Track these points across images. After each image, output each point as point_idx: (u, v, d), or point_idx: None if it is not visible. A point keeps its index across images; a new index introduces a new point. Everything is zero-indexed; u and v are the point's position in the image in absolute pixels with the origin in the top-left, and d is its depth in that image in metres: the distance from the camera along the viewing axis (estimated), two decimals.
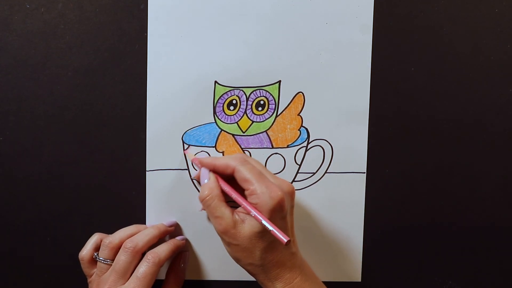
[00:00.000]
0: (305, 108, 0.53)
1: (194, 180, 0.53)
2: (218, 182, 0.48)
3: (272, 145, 0.53)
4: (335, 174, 0.53)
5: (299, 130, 0.53)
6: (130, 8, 0.52)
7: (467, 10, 0.52)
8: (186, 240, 0.54)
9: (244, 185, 0.46)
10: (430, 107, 0.53)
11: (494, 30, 0.52)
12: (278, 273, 0.46)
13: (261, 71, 0.52)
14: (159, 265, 0.48)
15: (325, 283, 0.50)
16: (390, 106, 0.53)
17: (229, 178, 0.48)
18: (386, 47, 0.52)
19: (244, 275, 0.54)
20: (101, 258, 0.49)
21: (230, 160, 0.47)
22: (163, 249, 0.49)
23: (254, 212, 0.44)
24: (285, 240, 0.42)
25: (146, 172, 0.53)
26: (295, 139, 0.53)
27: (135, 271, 0.48)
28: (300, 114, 0.53)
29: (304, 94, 0.52)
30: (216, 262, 0.54)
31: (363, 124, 0.53)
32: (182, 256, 0.53)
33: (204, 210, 0.50)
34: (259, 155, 0.53)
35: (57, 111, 0.53)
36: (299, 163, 0.53)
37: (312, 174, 0.53)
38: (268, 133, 0.53)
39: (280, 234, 0.42)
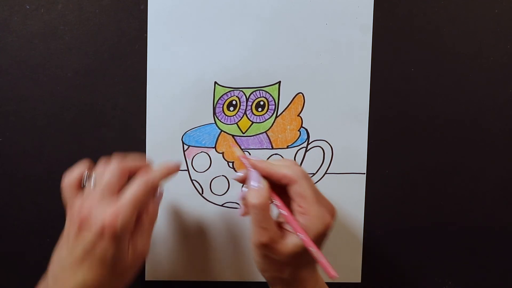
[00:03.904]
0: (305, 108, 0.53)
1: (194, 181, 0.53)
2: (270, 191, 0.44)
3: (272, 146, 0.53)
4: (335, 174, 0.53)
5: (299, 130, 0.53)
6: (130, 8, 0.52)
7: (467, 10, 0.52)
8: (182, 238, 0.54)
9: (298, 200, 0.43)
10: (430, 107, 0.53)
11: (494, 30, 0.52)
12: None
13: (261, 71, 0.52)
14: (150, 188, 0.44)
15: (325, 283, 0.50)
16: (390, 106, 0.53)
17: (274, 185, 0.45)
18: (386, 47, 0.52)
19: (243, 276, 0.54)
20: (92, 176, 0.45)
21: (288, 172, 0.43)
22: (155, 172, 0.45)
23: (302, 236, 0.41)
24: (336, 276, 0.39)
25: None
26: (295, 140, 0.53)
27: (124, 192, 0.43)
28: (300, 115, 0.53)
29: (304, 95, 0.52)
30: (216, 262, 0.54)
31: (363, 124, 0.53)
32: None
33: (245, 215, 0.47)
34: (259, 155, 0.53)
35: (57, 111, 0.53)
36: (299, 164, 0.53)
37: (312, 175, 0.53)
38: (268, 134, 0.53)
39: (330, 267, 0.40)
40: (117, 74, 0.52)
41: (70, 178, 0.45)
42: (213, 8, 0.52)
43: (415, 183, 0.54)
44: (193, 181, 0.53)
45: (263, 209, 0.42)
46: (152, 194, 0.46)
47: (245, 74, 0.52)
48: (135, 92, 0.53)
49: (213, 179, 0.53)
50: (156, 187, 0.46)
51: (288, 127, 0.53)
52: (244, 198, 0.46)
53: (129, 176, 0.45)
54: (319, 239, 0.42)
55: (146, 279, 0.54)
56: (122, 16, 0.52)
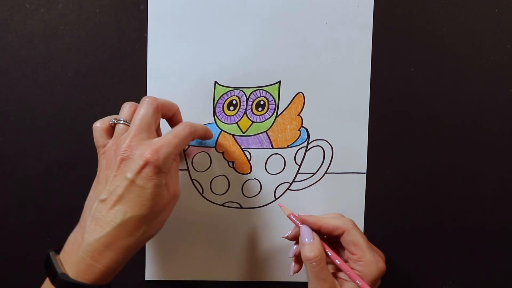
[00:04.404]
0: (305, 108, 0.53)
1: (194, 181, 0.53)
2: (322, 243, 0.47)
3: (272, 146, 0.53)
4: (335, 174, 0.53)
5: (299, 130, 0.53)
6: (130, 8, 0.52)
7: (467, 10, 0.52)
8: (182, 237, 0.54)
9: (351, 249, 0.45)
10: (430, 107, 0.53)
11: (494, 30, 0.52)
12: None
13: (261, 71, 0.52)
14: (193, 134, 0.45)
15: None
16: (390, 106, 0.53)
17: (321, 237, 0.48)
18: (386, 47, 0.52)
19: (244, 275, 0.54)
20: (121, 119, 0.45)
21: (338, 222, 0.47)
22: (199, 124, 0.48)
23: (360, 283, 0.44)
24: None
25: None
26: (295, 140, 0.53)
27: (170, 131, 0.44)
28: (300, 115, 0.53)
29: (304, 95, 0.52)
30: (216, 262, 0.54)
31: (363, 124, 0.53)
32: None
33: (296, 271, 0.49)
34: (259, 155, 0.53)
35: (57, 111, 0.53)
36: (299, 164, 0.53)
37: (312, 175, 0.53)
38: (268, 134, 0.53)
39: None
40: (117, 74, 0.52)
41: (101, 121, 0.46)
42: (213, 8, 0.52)
43: (415, 183, 0.54)
44: (193, 181, 0.53)
45: (320, 261, 0.44)
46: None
47: (245, 74, 0.52)
48: (135, 92, 0.52)
49: (213, 178, 0.53)
50: (196, 137, 0.47)
51: (288, 126, 0.53)
52: (295, 255, 0.49)
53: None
54: (375, 284, 0.44)
55: (146, 279, 0.54)
56: (122, 16, 0.52)
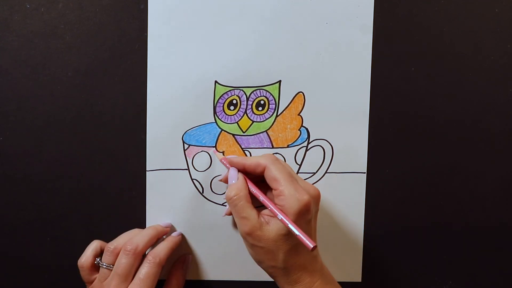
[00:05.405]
0: (305, 108, 0.53)
1: (194, 180, 0.53)
2: (246, 183, 0.47)
3: (272, 145, 0.53)
4: (335, 174, 0.53)
5: (299, 130, 0.53)
6: (130, 8, 0.52)
7: (467, 10, 0.52)
8: (183, 237, 0.54)
9: (272, 185, 0.45)
10: (430, 107, 0.53)
11: (494, 30, 0.52)
12: (299, 277, 0.45)
13: (261, 71, 0.52)
14: (160, 265, 0.48)
15: None
16: (390, 106, 0.53)
17: (257, 179, 0.48)
18: (386, 47, 0.52)
19: (243, 275, 0.54)
20: (104, 264, 0.48)
21: (260, 159, 0.47)
22: (162, 248, 0.50)
23: (280, 215, 0.43)
24: (311, 246, 0.41)
25: (146, 172, 0.53)
26: (295, 139, 0.53)
27: (137, 273, 0.48)
28: (300, 114, 0.53)
29: (304, 94, 0.52)
30: (216, 262, 0.54)
31: (363, 124, 0.53)
32: (185, 259, 0.54)
33: (228, 214, 0.51)
34: (259, 155, 0.53)
35: (57, 111, 0.53)
36: (299, 163, 0.53)
37: (312, 174, 0.53)
38: (268, 133, 0.53)
39: (307, 239, 0.42)
40: (117, 74, 0.52)
41: (85, 259, 0.49)
42: (213, 8, 0.52)
43: (415, 183, 0.54)
44: (194, 180, 0.53)
45: (240, 200, 0.46)
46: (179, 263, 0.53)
47: (246, 73, 0.52)
48: (135, 92, 0.52)
49: (214, 178, 0.53)
50: (164, 261, 0.49)
51: (289, 126, 0.53)
52: None
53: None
54: (299, 217, 0.44)
55: None
56: (122, 16, 0.52)
